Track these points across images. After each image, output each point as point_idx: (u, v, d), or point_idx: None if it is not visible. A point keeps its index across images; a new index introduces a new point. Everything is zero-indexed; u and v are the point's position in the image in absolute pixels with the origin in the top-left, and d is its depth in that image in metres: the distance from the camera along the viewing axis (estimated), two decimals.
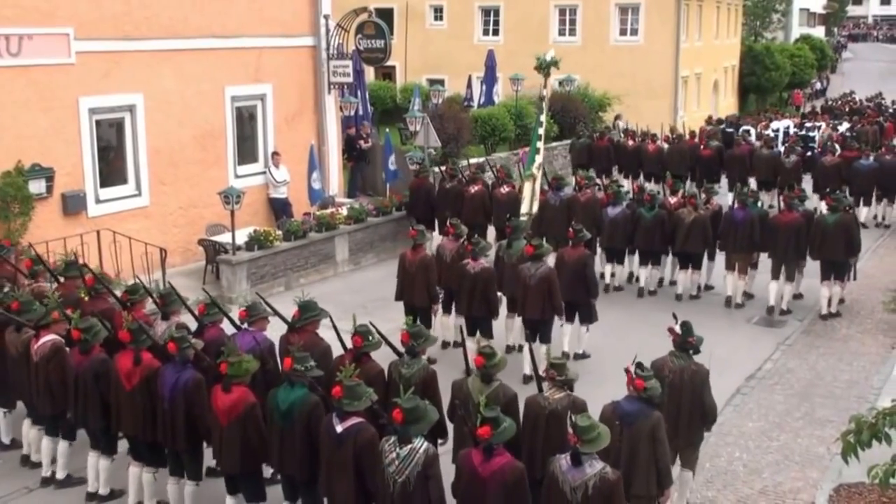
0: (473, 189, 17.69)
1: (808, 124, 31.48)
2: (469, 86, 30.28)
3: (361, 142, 22.13)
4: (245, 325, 9.55)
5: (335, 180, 20.42)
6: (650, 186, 20.60)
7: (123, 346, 8.83)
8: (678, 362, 8.62)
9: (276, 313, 9.71)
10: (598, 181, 18.95)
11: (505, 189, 17.60)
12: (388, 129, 23.01)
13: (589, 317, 13.12)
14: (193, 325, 9.61)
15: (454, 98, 28.22)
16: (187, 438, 8.48)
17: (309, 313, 9.41)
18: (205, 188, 16.90)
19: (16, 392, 10.10)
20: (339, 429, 7.35)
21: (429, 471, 6.85)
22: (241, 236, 15.91)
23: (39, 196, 14.49)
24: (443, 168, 18.89)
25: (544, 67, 16.60)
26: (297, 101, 19.28)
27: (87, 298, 10.54)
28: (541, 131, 16.55)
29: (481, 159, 22.02)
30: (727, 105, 43.24)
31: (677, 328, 8.73)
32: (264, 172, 18.53)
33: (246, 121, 18.44)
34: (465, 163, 19.66)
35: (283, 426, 7.89)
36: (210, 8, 17.06)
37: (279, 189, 18.58)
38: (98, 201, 15.58)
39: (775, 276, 15.41)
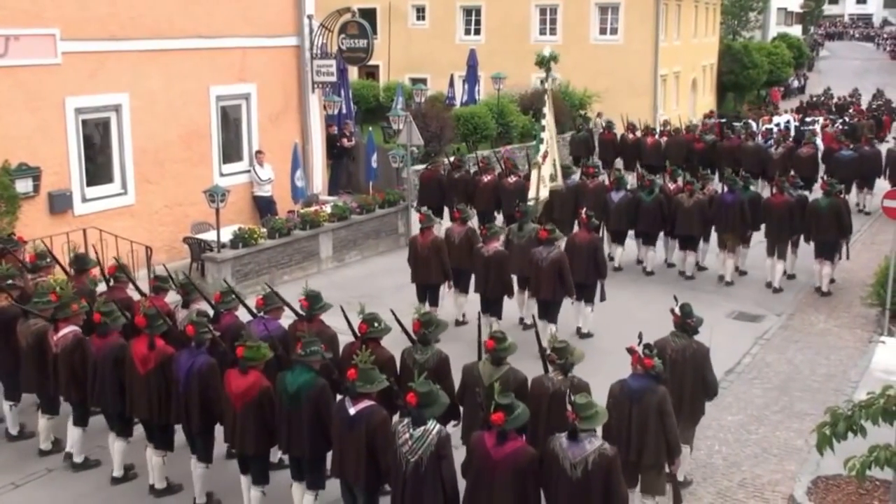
0: (486, 178, 18.93)
1: (808, 119, 32.42)
2: (451, 84, 30.37)
3: (344, 140, 22.23)
4: (261, 314, 9.78)
5: (319, 178, 20.52)
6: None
7: (139, 332, 9.03)
8: (679, 341, 9.05)
9: (287, 304, 9.98)
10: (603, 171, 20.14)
11: (512, 179, 18.64)
12: (370, 128, 23.13)
13: (593, 296, 13.75)
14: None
15: (437, 97, 28.40)
16: (201, 421, 8.73)
17: (318, 304, 9.71)
18: (190, 187, 16.95)
19: (25, 383, 10.15)
20: (351, 411, 7.56)
21: (441, 451, 7.04)
22: (226, 234, 15.98)
23: (26, 195, 14.53)
24: (451, 159, 19.83)
25: (545, 63, 17.09)
26: (281, 100, 19.36)
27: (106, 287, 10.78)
28: (544, 122, 17.09)
29: (487, 152, 22.85)
30: (705, 103, 43.49)
31: (677, 310, 9.12)
32: (249, 171, 18.61)
33: (231, 120, 18.50)
34: (472, 155, 20.45)
35: (290, 409, 8.09)
36: (195, 8, 17.12)
37: (263, 187, 18.67)
38: (84, 200, 15.63)
39: (771, 253, 16.53)
